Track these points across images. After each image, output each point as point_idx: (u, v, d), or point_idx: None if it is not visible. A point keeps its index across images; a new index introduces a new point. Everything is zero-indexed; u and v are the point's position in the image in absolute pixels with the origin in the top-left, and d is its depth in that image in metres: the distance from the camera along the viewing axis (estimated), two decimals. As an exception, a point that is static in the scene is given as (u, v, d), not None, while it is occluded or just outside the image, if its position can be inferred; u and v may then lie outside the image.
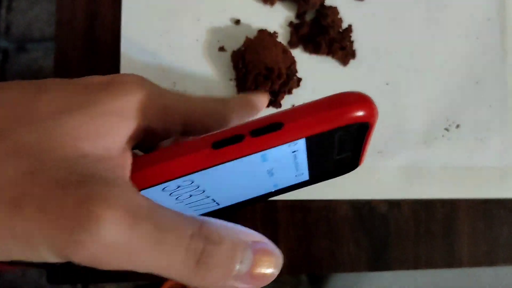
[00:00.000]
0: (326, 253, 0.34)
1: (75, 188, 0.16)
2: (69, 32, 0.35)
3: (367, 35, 0.37)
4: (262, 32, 0.35)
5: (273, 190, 0.27)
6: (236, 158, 0.20)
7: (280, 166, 0.23)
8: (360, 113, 0.19)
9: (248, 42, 0.35)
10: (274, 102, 0.35)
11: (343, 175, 0.28)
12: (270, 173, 0.24)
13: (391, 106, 0.37)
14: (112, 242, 0.16)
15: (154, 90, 0.21)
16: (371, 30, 0.38)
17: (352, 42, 0.37)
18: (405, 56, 0.38)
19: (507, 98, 0.38)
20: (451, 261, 0.36)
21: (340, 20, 0.37)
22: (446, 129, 0.37)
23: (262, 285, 0.21)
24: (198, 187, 0.22)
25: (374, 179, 0.35)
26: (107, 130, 0.19)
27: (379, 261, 0.35)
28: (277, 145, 0.20)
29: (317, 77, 0.36)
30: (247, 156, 0.20)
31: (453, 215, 0.36)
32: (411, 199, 0.36)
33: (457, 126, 0.37)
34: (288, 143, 0.20)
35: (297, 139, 0.20)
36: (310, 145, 0.21)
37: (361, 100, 0.20)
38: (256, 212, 0.34)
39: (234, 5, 0.37)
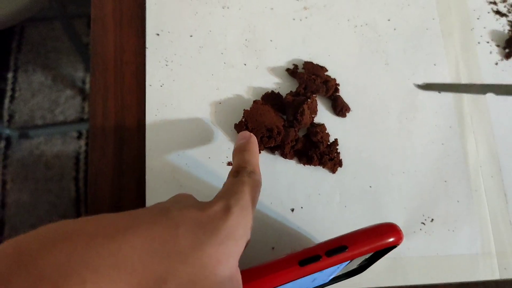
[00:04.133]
0: (327, 338, 0.40)
1: None
2: (101, 156, 0.41)
3: (351, 145, 0.45)
4: (256, 102, 0.43)
5: None
6: (314, 273, 0.28)
7: (323, 274, 0.31)
8: (397, 240, 0.30)
9: (247, 113, 0.42)
10: (283, 153, 0.43)
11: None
12: (314, 279, 0.32)
13: (374, 206, 0.43)
14: None
15: (244, 211, 0.27)
16: (354, 141, 0.45)
17: (338, 153, 0.44)
18: (384, 161, 0.45)
19: (471, 193, 0.45)
20: None
21: (328, 135, 0.44)
22: (423, 223, 0.43)
23: None
24: None
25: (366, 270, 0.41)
26: (228, 253, 0.24)
27: None
28: (342, 263, 0.28)
29: (311, 184, 0.43)
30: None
31: (434, 298, 0.42)
32: (398, 286, 0.42)
33: (432, 220, 0.43)
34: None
35: (355, 259, 0.28)
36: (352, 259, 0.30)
37: (397, 230, 0.30)
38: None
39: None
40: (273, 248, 0.41)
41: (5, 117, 1.34)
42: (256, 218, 0.42)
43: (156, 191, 0.41)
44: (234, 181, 0.31)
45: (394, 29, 0.49)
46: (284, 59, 0.47)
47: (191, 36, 0.46)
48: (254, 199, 0.30)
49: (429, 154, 0.45)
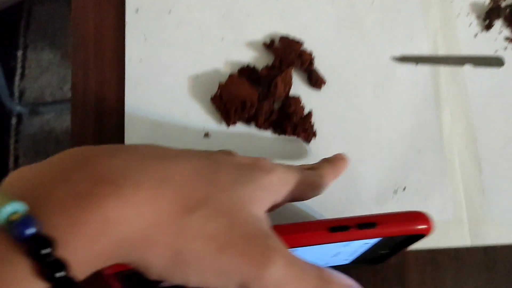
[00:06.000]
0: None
1: (261, 240, 0.24)
2: (82, 131, 0.44)
3: (326, 117, 0.46)
4: (231, 76, 0.45)
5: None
6: (340, 241, 0.29)
7: (347, 251, 0.32)
8: (427, 229, 0.29)
9: (222, 86, 0.44)
10: (257, 124, 0.45)
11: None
12: (336, 254, 0.33)
13: (348, 174, 0.44)
14: (276, 278, 0.24)
15: (284, 171, 0.29)
16: (329, 113, 0.46)
17: (312, 124, 0.45)
18: (358, 131, 0.46)
19: (444, 163, 0.46)
20: (405, 303, 0.43)
21: (302, 108, 0.45)
22: (395, 192, 0.45)
23: None
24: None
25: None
26: (262, 199, 0.27)
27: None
28: (368, 238, 0.29)
29: (285, 154, 0.45)
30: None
31: (405, 263, 0.44)
32: (368, 252, 0.43)
33: (404, 188, 0.45)
34: (373, 238, 0.29)
35: (380, 237, 0.29)
36: (379, 241, 0.31)
37: (428, 220, 0.30)
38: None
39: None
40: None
41: (16, 94, 1.37)
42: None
43: (136, 161, 0.43)
44: (297, 167, 0.33)
45: (372, 3, 0.49)
46: (262, 34, 0.48)
47: (169, 12, 0.47)
48: (300, 185, 0.31)
49: (403, 125, 0.46)
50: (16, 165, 1.33)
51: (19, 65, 1.40)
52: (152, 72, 0.45)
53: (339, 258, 0.34)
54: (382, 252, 0.36)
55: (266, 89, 0.44)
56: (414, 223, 0.29)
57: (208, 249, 0.23)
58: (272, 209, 0.29)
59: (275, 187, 0.28)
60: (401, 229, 0.29)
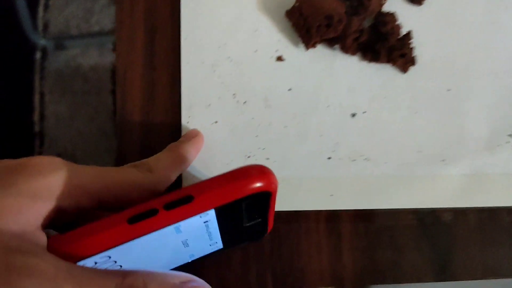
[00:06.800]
0: (389, 263, 0.34)
1: None
2: (129, 48, 0.35)
3: (427, 40, 0.37)
4: None
5: (190, 261, 0.29)
6: (151, 232, 0.21)
7: (194, 236, 0.25)
8: (261, 184, 0.22)
9: None
10: (344, 47, 0.36)
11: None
12: (185, 244, 0.25)
13: (452, 113, 0.36)
14: None
15: (67, 171, 0.22)
16: (431, 36, 0.37)
17: (411, 49, 0.36)
18: (467, 61, 0.37)
19: None
20: (519, 270, 0.35)
21: (399, 27, 0.36)
22: (510, 135, 0.36)
23: None
24: (115, 263, 0.23)
25: (438, 187, 0.35)
26: (19, 209, 0.20)
27: (445, 271, 0.35)
28: (189, 217, 0.22)
29: (376, 85, 0.36)
30: (162, 229, 0.22)
31: None
32: (476, 207, 0.35)
33: (522, 132, 0.36)
34: (199, 214, 0.22)
35: (207, 210, 0.22)
36: (220, 215, 0.23)
37: (261, 172, 0.22)
38: (320, 223, 0.34)
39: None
40: (329, 158, 0.35)
41: (40, 26, 1.29)
42: (310, 125, 0.35)
43: (194, 88, 0.35)
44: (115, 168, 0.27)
45: None
46: None
47: None
48: (110, 185, 0.25)
49: (523, 52, 0.37)
50: (42, 103, 1.27)
51: (42, -5, 1.31)
52: (213, -22, 0.36)
53: (202, 245, 0.27)
54: (251, 223, 0.27)
55: (355, 2, 0.35)
56: (242, 182, 0.22)
57: None
58: (66, 217, 0.23)
59: (51, 191, 0.22)
60: (228, 194, 0.22)
